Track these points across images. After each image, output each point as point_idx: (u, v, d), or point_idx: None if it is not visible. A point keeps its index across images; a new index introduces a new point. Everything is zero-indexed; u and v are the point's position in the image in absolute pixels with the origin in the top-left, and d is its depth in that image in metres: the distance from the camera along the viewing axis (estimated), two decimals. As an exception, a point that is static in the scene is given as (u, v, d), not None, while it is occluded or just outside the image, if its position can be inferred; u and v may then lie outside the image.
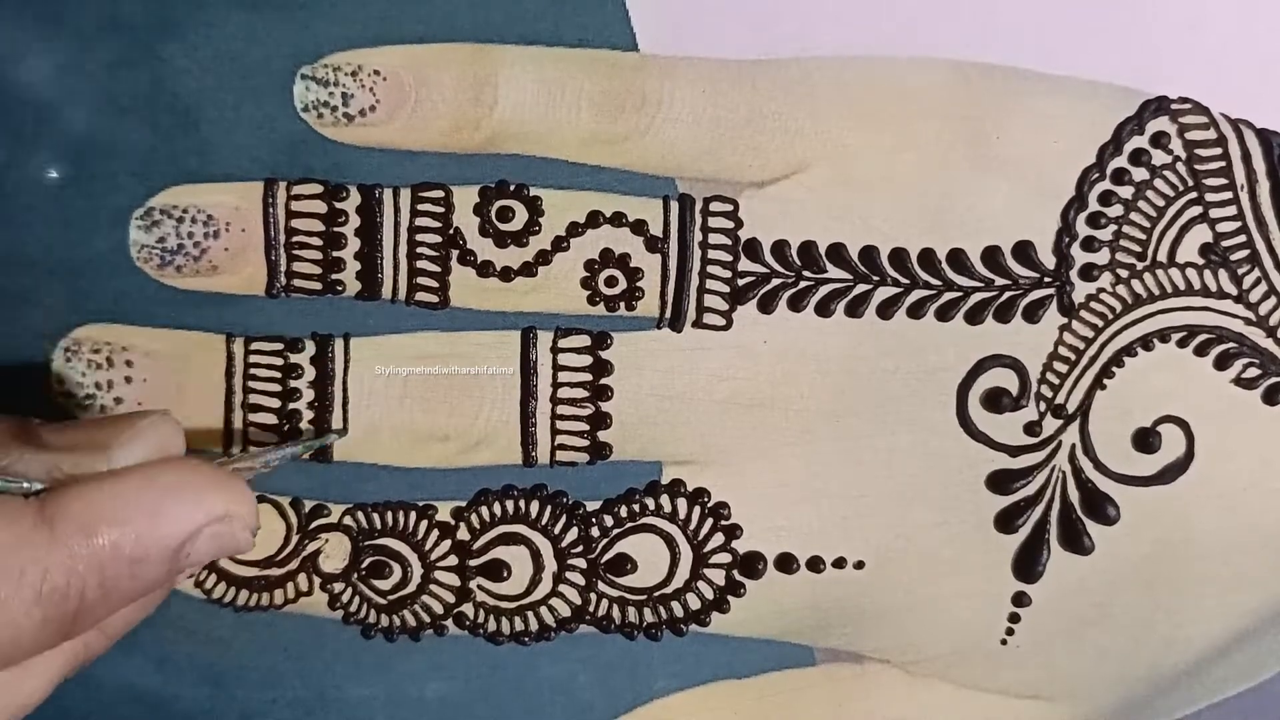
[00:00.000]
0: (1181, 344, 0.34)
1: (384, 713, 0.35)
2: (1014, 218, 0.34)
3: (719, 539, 0.34)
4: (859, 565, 0.34)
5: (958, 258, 0.33)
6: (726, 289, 0.34)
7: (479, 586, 0.34)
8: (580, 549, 0.34)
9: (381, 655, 0.34)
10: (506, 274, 0.33)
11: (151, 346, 0.33)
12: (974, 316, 0.34)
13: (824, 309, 0.34)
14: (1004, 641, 0.35)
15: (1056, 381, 0.34)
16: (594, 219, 0.33)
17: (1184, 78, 0.34)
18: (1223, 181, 0.34)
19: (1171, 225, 0.34)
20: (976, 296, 0.34)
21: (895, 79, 0.34)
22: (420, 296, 0.33)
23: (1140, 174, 0.34)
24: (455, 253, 0.33)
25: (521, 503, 0.34)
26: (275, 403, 0.33)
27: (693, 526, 0.34)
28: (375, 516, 0.34)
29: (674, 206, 0.34)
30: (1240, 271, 0.34)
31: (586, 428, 0.34)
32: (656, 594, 0.34)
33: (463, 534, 0.34)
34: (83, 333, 0.33)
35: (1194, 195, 0.34)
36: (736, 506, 0.34)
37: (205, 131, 0.33)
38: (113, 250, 0.33)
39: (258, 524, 0.28)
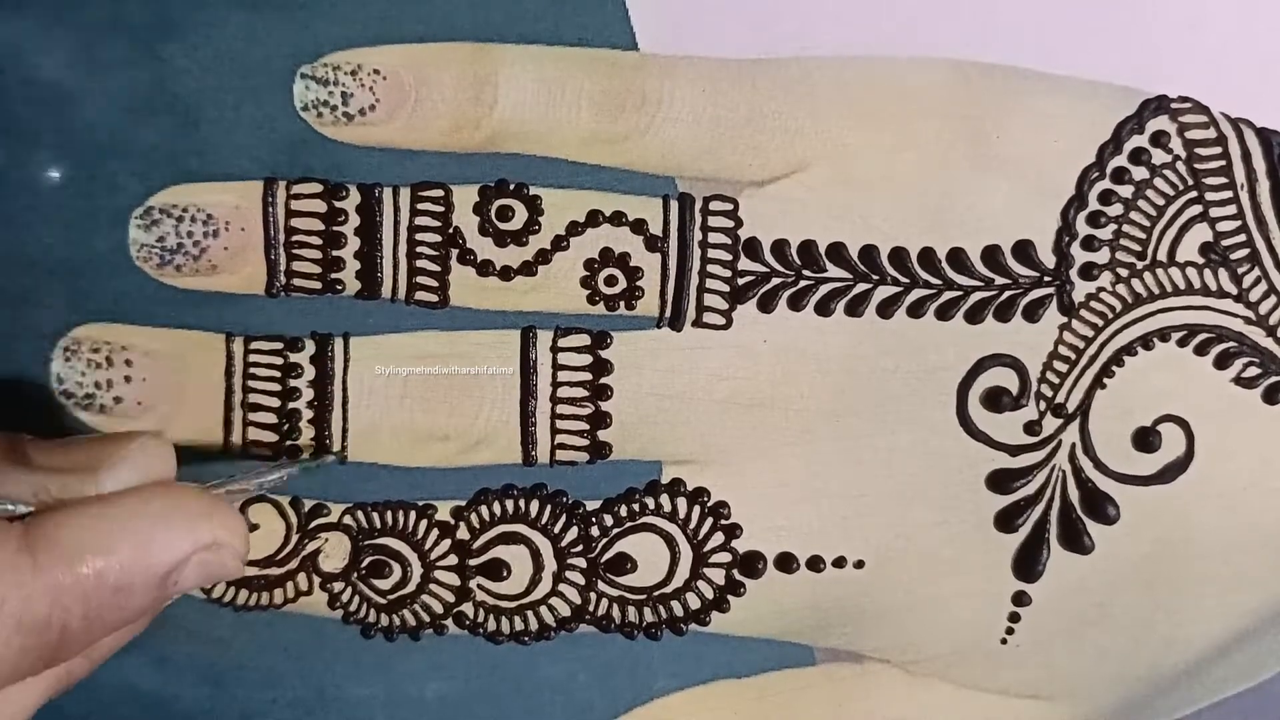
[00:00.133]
0: (1181, 343, 0.34)
1: (384, 713, 0.35)
2: (1014, 217, 0.34)
3: (719, 538, 0.34)
4: (859, 565, 0.34)
5: (958, 257, 0.33)
6: (726, 288, 0.34)
7: (479, 586, 0.34)
8: (580, 548, 0.34)
9: (381, 655, 0.34)
10: (506, 273, 0.33)
11: (151, 346, 0.33)
12: (974, 316, 0.34)
13: (824, 308, 0.34)
14: (1004, 641, 0.35)
15: (1056, 381, 0.34)
16: (594, 218, 0.33)
17: (1184, 78, 0.34)
18: (1222, 180, 0.34)
19: (1171, 224, 0.34)
20: (976, 296, 0.34)
21: (895, 79, 0.34)
22: (420, 296, 0.33)
23: (1140, 173, 0.34)
24: (455, 252, 0.33)
25: (521, 502, 0.34)
26: (275, 402, 0.33)
27: (693, 526, 0.34)
28: (375, 516, 0.34)
29: (674, 206, 0.34)
30: (1240, 270, 0.34)
31: (586, 427, 0.34)
32: (656, 593, 0.34)
33: (463, 533, 0.34)
34: (82, 332, 0.33)
35: (1194, 194, 0.34)
36: (736, 506, 0.34)
37: (205, 131, 0.33)
38: (113, 250, 0.33)
39: (247, 551, 0.28)
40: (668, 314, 0.34)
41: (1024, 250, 0.34)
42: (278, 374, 0.33)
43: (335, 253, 0.33)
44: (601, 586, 0.34)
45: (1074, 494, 0.34)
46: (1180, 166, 0.34)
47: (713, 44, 0.33)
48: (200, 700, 0.35)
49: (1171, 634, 0.35)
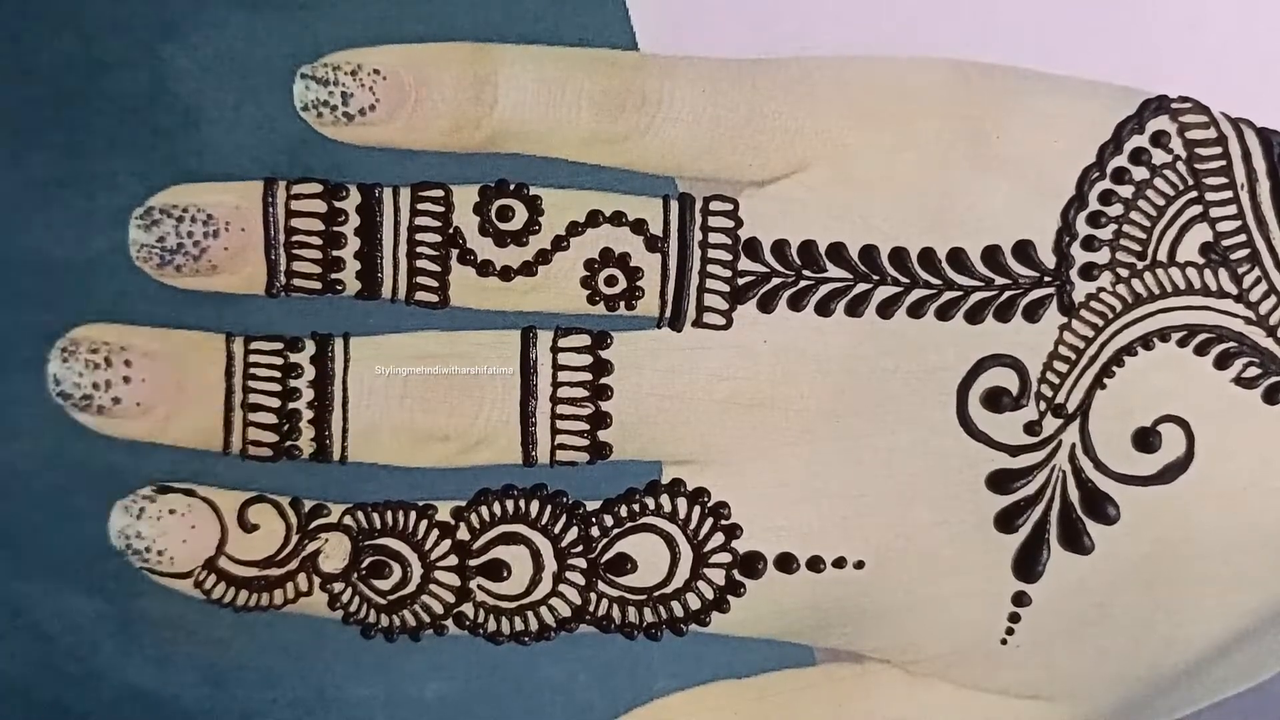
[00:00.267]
0: (1182, 343, 0.34)
1: (384, 713, 0.35)
2: (1014, 217, 0.34)
3: (719, 539, 0.34)
4: (859, 565, 0.34)
5: (958, 257, 0.33)
6: (726, 288, 0.34)
7: (479, 586, 0.34)
8: (580, 549, 0.34)
9: (381, 655, 0.34)
10: (506, 273, 0.33)
11: (150, 346, 0.33)
12: (974, 316, 0.34)
13: (824, 308, 0.34)
14: (1004, 641, 0.35)
15: (1056, 381, 0.34)
16: (594, 218, 0.33)
17: (1184, 78, 0.34)
18: (1223, 181, 0.34)
19: (1172, 224, 0.34)
20: (976, 296, 0.34)
21: (895, 79, 0.34)
22: (420, 296, 0.33)
23: (1140, 173, 0.34)
24: (455, 252, 0.33)
25: (521, 502, 0.34)
26: (275, 402, 0.33)
27: (693, 526, 0.34)
28: (375, 516, 0.34)
29: (674, 206, 0.34)
30: (1240, 271, 0.34)
31: (586, 427, 0.34)
32: (656, 594, 0.34)
33: (463, 534, 0.34)
34: (80, 333, 0.33)
35: (1194, 194, 0.34)
36: (736, 506, 0.34)
37: (205, 131, 0.33)
38: (113, 250, 0.33)
39: None
40: (668, 314, 0.34)
41: (1024, 250, 0.34)
42: (278, 374, 0.33)
43: (335, 253, 0.33)
44: (602, 587, 0.34)
45: (1074, 494, 0.34)
46: (1180, 167, 0.34)
47: (713, 44, 0.33)
48: (200, 700, 0.35)
49: (1171, 634, 0.35)
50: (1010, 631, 0.35)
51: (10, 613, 0.34)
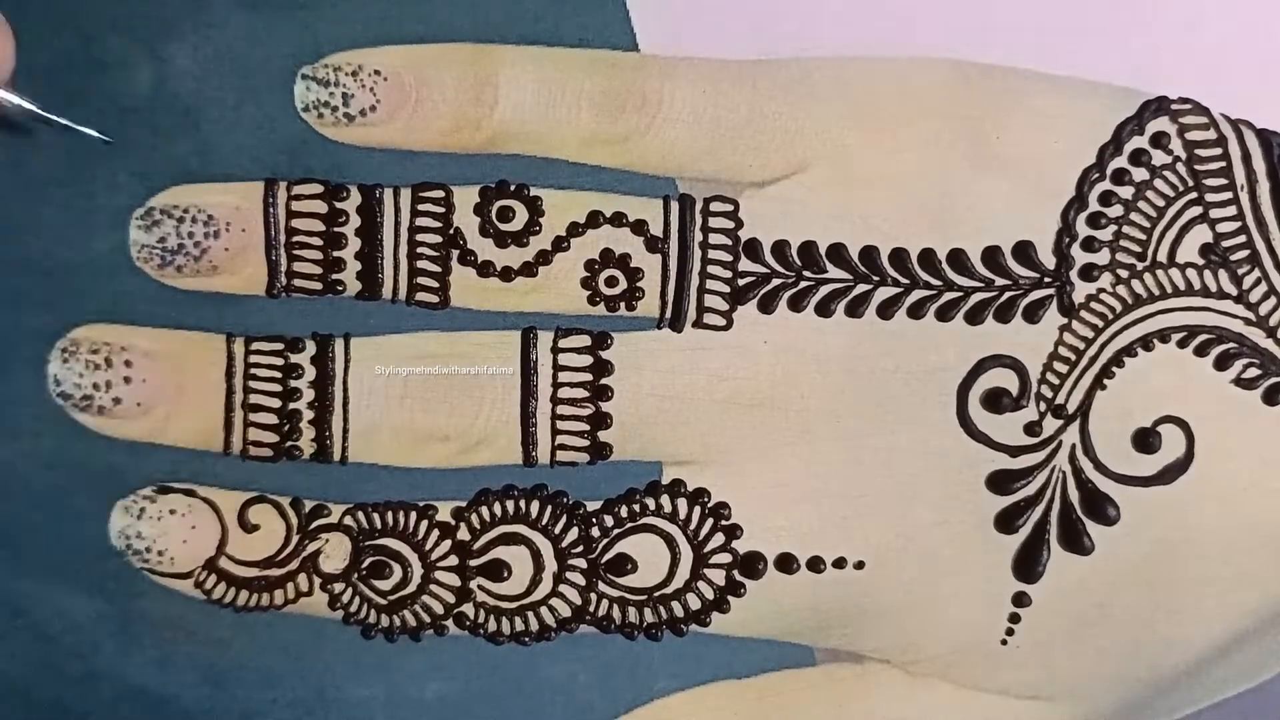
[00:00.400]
0: (1181, 344, 0.34)
1: (384, 713, 0.35)
2: (1014, 218, 0.34)
3: (719, 539, 0.34)
4: (859, 565, 0.34)
5: (958, 258, 0.33)
6: (727, 289, 0.34)
7: (479, 586, 0.34)
8: (580, 549, 0.34)
9: (381, 655, 0.34)
10: (507, 274, 0.33)
11: (151, 346, 0.33)
12: (974, 316, 0.34)
13: (824, 309, 0.34)
14: (1004, 641, 0.35)
15: (1057, 381, 0.34)
16: (594, 219, 0.33)
17: (1184, 78, 0.34)
18: (1223, 182, 0.34)
19: (1171, 225, 0.34)
20: (976, 296, 0.34)
21: (895, 79, 0.34)
22: (420, 296, 0.33)
23: (1140, 174, 0.34)
24: (455, 253, 0.33)
25: (522, 503, 0.34)
26: (276, 403, 0.33)
27: (693, 526, 0.34)
28: (375, 516, 0.34)
29: (674, 206, 0.34)
30: (1240, 272, 0.34)
31: (587, 428, 0.34)
32: (657, 594, 0.34)
33: (463, 534, 0.34)
34: (81, 333, 0.33)
35: (1194, 195, 0.34)
36: (736, 506, 0.34)
37: (205, 131, 0.33)
38: (113, 250, 0.32)
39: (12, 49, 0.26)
40: (668, 315, 0.34)
41: (1024, 251, 0.34)
42: (278, 374, 0.33)
43: (336, 253, 0.33)
44: (602, 587, 0.34)
45: (1074, 495, 0.34)
46: (1180, 168, 0.34)
47: (713, 44, 0.33)
48: (200, 700, 0.35)
49: (1171, 634, 0.35)
50: (1010, 632, 0.35)
51: (10, 613, 0.34)
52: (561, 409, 0.34)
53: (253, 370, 0.33)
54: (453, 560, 0.34)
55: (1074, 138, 0.34)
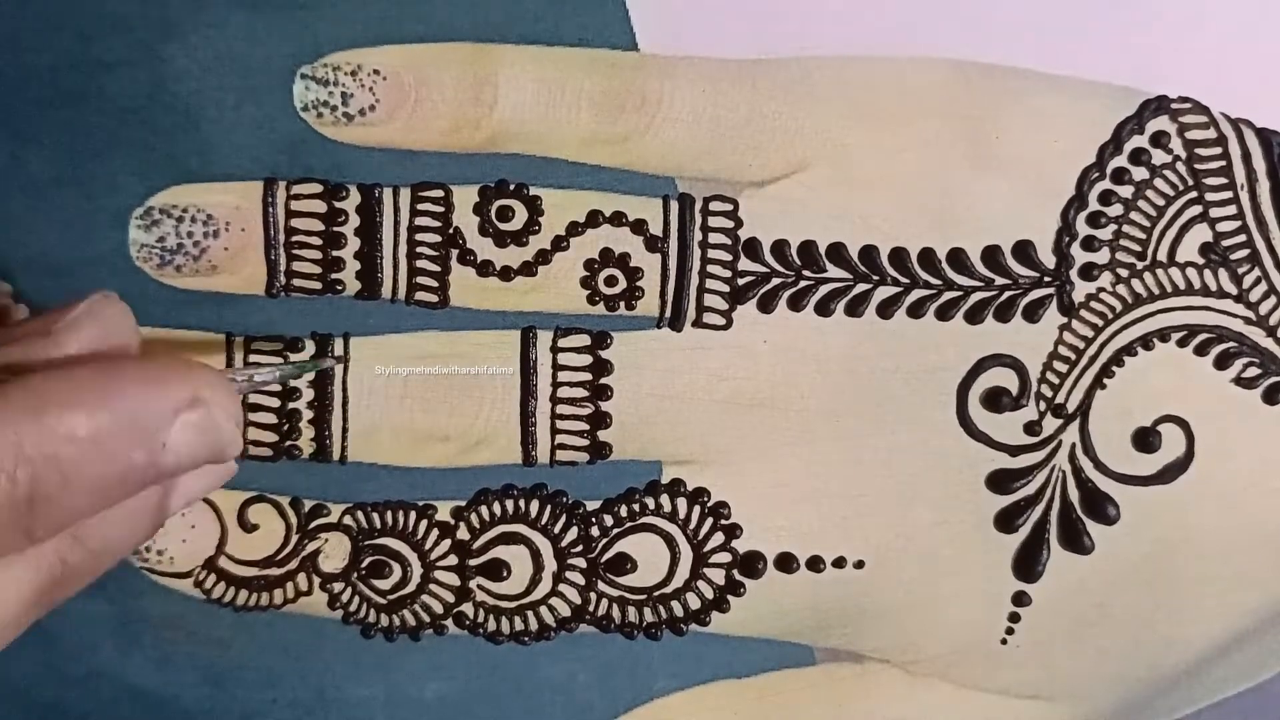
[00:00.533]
0: (1181, 343, 0.34)
1: (384, 713, 0.35)
2: (1014, 217, 0.34)
3: (719, 539, 0.34)
4: (859, 565, 0.34)
5: (958, 257, 0.33)
6: (726, 288, 0.34)
7: (479, 586, 0.34)
8: (580, 548, 0.34)
9: (381, 655, 0.34)
10: (506, 273, 0.33)
11: (150, 347, 0.33)
12: (974, 316, 0.34)
13: (824, 309, 0.34)
14: (1004, 641, 0.35)
15: (1056, 381, 0.34)
16: (594, 218, 0.33)
17: (1184, 78, 0.34)
18: (1223, 181, 0.34)
19: (1171, 225, 0.34)
20: (976, 296, 0.34)
21: (895, 79, 0.34)
22: (420, 296, 0.33)
23: (1140, 173, 0.34)
24: (455, 252, 0.33)
25: (521, 502, 0.34)
26: (275, 402, 0.33)
27: (693, 526, 0.34)
28: (375, 516, 0.34)
29: (674, 206, 0.34)
30: (1240, 271, 0.34)
31: (586, 427, 0.34)
32: (656, 594, 0.34)
33: (463, 534, 0.34)
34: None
35: (1194, 195, 0.34)
36: (736, 506, 0.34)
37: (205, 131, 0.33)
38: (113, 250, 0.33)
39: (240, 415, 0.26)
40: (668, 314, 0.34)
41: (1024, 250, 0.34)
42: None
43: (335, 253, 0.33)
44: (601, 587, 0.34)
45: (1074, 494, 0.34)
46: (1180, 167, 0.34)
47: (713, 44, 0.33)
48: (200, 700, 0.35)
49: (1171, 634, 0.35)
50: (1010, 631, 0.35)
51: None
52: (561, 408, 0.34)
53: (252, 370, 0.33)
54: (452, 560, 0.34)
55: (1074, 137, 0.34)
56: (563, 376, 0.34)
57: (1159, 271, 0.34)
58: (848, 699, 0.35)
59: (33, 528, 0.23)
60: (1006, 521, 0.34)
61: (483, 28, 0.33)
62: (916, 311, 0.34)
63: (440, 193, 0.33)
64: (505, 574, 0.34)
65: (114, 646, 0.34)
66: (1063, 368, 0.34)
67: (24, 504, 0.23)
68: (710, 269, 0.34)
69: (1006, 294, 0.34)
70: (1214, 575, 0.34)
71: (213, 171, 0.33)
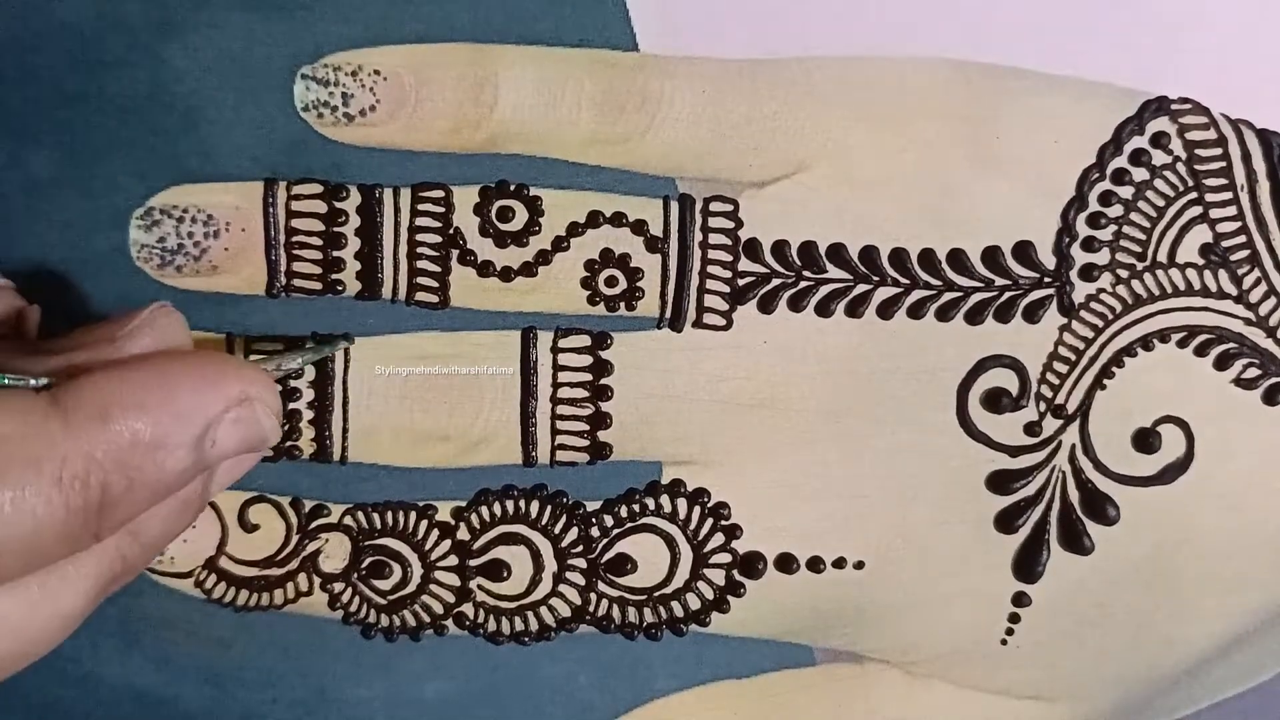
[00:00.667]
0: (1181, 344, 0.34)
1: (384, 713, 0.35)
2: (1014, 218, 0.34)
3: (719, 539, 0.34)
4: (859, 565, 0.34)
5: (958, 258, 0.33)
6: (726, 289, 0.34)
7: (479, 586, 0.34)
8: (580, 549, 0.34)
9: (381, 655, 0.34)
10: (507, 274, 0.33)
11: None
12: (974, 316, 0.34)
13: (824, 309, 0.34)
14: (1004, 641, 0.35)
15: (1056, 382, 0.34)
16: (594, 219, 0.33)
17: (1184, 78, 0.34)
18: (1223, 182, 0.34)
19: (1171, 225, 0.34)
20: (976, 296, 0.34)
21: (895, 79, 0.34)
22: (420, 296, 0.33)
23: (1140, 174, 0.34)
24: (455, 253, 0.33)
25: (521, 503, 0.34)
26: (275, 403, 0.33)
27: (693, 526, 0.34)
28: (375, 516, 0.34)
29: (674, 206, 0.34)
30: (1240, 272, 0.34)
31: (586, 428, 0.34)
32: (656, 594, 0.34)
33: (463, 534, 0.34)
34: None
35: (1194, 195, 0.34)
36: (736, 506, 0.34)
37: (205, 131, 0.33)
38: (113, 250, 0.33)
39: (281, 410, 0.28)
40: (668, 315, 0.34)
41: (1024, 251, 0.34)
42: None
43: (335, 253, 0.33)
44: (602, 587, 0.34)
45: (1074, 495, 0.34)
46: (1180, 168, 0.34)
47: (713, 44, 0.33)
48: (200, 700, 0.35)
49: (1171, 634, 0.35)
50: (1010, 632, 0.35)
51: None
52: (561, 409, 0.34)
53: (253, 370, 0.33)
54: (453, 560, 0.34)
55: (1074, 137, 0.34)
56: (563, 377, 0.34)
57: (1159, 272, 0.34)
58: (848, 699, 0.35)
59: (100, 528, 0.25)
60: (1006, 522, 0.34)
61: (483, 28, 0.33)
62: (917, 312, 0.34)
63: (440, 193, 0.33)
64: (505, 574, 0.34)
65: (114, 646, 0.34)
66: (1063, 368, 0.34)
67: (95, 508, 0.25)
68: (710, 269, 0.34)
69: (1007, 295, 0.34)
70: (1214, 576, 0.34)
71: (213, 172, 0.33)
